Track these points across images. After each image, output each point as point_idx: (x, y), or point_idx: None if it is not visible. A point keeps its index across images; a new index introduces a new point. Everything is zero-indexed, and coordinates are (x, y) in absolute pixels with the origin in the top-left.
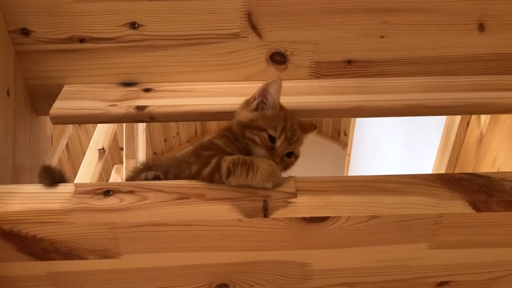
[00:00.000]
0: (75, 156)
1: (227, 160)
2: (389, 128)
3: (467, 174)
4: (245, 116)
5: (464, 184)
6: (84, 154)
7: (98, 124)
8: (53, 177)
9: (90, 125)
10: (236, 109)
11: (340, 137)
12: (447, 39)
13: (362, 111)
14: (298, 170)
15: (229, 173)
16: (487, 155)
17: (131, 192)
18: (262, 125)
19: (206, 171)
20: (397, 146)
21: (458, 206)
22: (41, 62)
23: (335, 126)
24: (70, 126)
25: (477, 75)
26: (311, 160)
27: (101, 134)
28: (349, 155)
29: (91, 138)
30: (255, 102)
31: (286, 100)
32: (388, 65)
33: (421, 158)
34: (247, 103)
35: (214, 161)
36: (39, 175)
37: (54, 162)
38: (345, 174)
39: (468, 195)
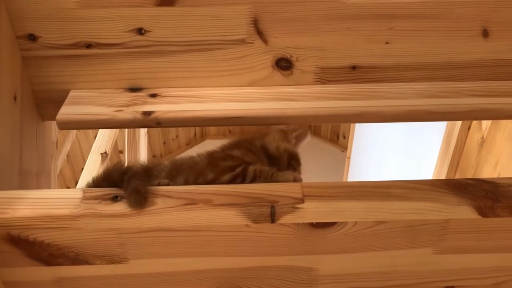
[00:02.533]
0: (74, 159)
1: (254, 165)
2: (389, 131)
3: (473, 179)
4: (294, 148)
5: (470, 190)
6: (83, 157)
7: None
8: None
9: (90, 130)
10: (242, 115)
11: (339, 140)
12: (452, 45)
13: (367, 117)
14: None
15: (254, 177)
16: (488, 160)
17: None
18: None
19: (227, 177)
20: (397, 149)
21: (464, 212)
22: (48, 68)
23: (334, 129)
24: (74, 131)
25: (481, 80)
26: (310, 163)
27: (103, 138)
28: (348, 158)
29: (90, 141)
30: (294, 141)
31: (291, 106)
32: (393, 71)
33: (422, 161)
34: (285, 135)
35: (239, 169)
36: (131, 198)
37: (58, 166)
38: (344, 178)
39: (474, 201)
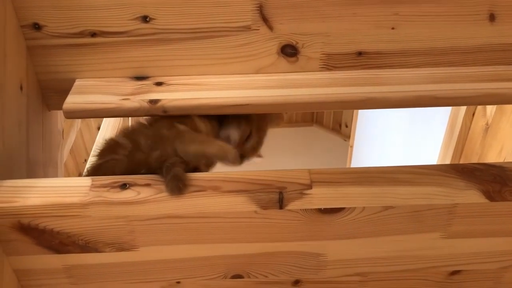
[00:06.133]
0: (76, 150)
1: None
2: (392, 119)
3: (480, 164)
4: None
5: (478, 174)
6: (86, 149)
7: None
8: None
9: (92, 122)
10: (248, 102)
11: (341, 129)
12: (458, 29)
13: (373, 103)
14: (302, 162)
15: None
16: (493, 146)
17: (148, 185)
18: None
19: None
20: (400, 137)
21: (472, 196)
22: (53, 57)
23: (336, 118)
24: (79, 121)
25: (487, 65)
26: (312, 152)
27: (107, 128)
28: (351, 147)
29: (92, 132)
30: None
31: (297, 93)
32: (399, 57)
33: (425, 148)
34: None
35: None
36: (173, 184)
37: (64, 156)
38: (347, 166)
39: (482, 185)
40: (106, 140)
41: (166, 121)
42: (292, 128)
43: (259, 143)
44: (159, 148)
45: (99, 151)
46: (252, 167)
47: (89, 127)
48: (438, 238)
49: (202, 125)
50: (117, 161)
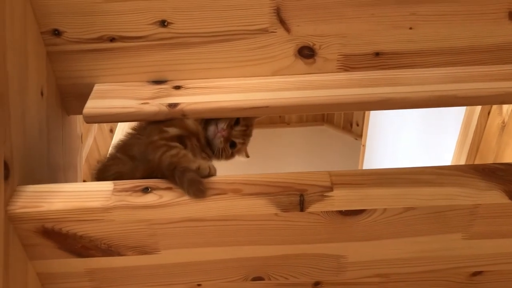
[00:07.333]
0: (90, 154)
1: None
2: (405, 118)
3: (502, 164)
4: None
5: (499, 175)
6: (99, 152)
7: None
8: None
9: (105, 125)
10: (266, 104)
11: (352, 128)
12: (476, 28)
13: (392, 103)
14: (313, 162)
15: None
16: (509, 144)
17: (169, 188)
18: None
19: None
20: (414, 136)
21: (494, 196)
22: (72, 62)
23: (347, 117)
24: (96, 125)
25: (506, 64)
26: (323, 152)
27: (122, 132)
28: (364, 146)
29: (105, 135)
30: None
31: (315, 94)
32: (417, 56)
33: (439, 148)
34: None
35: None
36: (194, 188)
37: (82, 160)
38: (359, 166)
39: (504, 185)
40: (109, 153)
41: (155, 126)
42: (303, 128)
43: (247, 130)
44: (150, 154)
45: (106, 157)
46: (267, 168)
47: (102, 131)
48: (459, 239)
49: (190, 122)
50: (125, 165)
